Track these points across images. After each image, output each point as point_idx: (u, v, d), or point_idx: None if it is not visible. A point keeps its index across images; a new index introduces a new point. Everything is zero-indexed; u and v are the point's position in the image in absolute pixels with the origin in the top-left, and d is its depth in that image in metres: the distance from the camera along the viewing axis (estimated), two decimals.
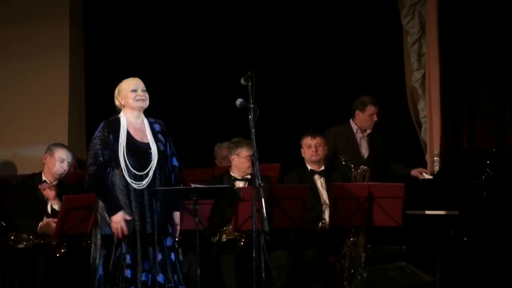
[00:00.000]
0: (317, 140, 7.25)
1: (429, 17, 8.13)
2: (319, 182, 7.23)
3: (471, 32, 8.02)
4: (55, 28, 9.03)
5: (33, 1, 8.98)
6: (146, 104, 5.71)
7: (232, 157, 7.06)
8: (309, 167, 7.28)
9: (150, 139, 5.75)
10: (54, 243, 6.45)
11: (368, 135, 7.96)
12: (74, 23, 9.23)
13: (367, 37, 8.95)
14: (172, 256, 5.72)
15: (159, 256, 5.63)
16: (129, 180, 5.62)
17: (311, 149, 7.24)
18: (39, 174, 6.73)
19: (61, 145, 6.84)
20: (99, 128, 5.68)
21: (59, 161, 6.68)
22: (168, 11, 9.29)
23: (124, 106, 5.73)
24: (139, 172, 5.66)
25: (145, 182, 5.66)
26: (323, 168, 7.29)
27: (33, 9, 8.97)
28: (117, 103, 5.77)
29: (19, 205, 6.66)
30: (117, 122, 5.71)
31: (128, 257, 5.62)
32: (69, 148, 6.91)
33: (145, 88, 5.74)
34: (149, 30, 9.34)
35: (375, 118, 7.83)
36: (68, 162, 6.72)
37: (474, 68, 8.03)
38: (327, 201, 6.99)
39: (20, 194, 6.74)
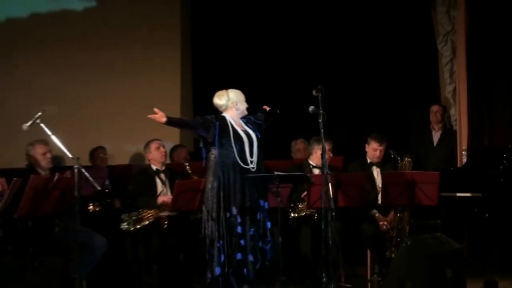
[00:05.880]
0: (383, 146, 7.43)
1: (459, 43, 8.58)
2: (376, 171, 7.52)
3: (493, 57, 8.38)
4: (169, 52, 9.71)
5: (148, 29, 9.59)
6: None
7: (315, 150, 7.42)
8: (369, 160, 7.56)
9: (247, 129, 6.45)
10: (165, 216, 7.04)
11: (442, 130, 8.54)
12: (184, 48, 9.84)
13: (411, 59, 9.42)
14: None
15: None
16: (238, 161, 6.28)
17: (376, 152, 7.44)
18: (149, 166, 7.44)
19: (152, 141, 7.34)
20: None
21: (156, 150, 7.32)
22: (268, 32, 9.79)
23: (230, 108, 6.45)
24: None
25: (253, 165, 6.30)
26: (379, 161, 7.53)
27: (150, 36, 9.61)
28: (222, 102, 6.45)
29: (140, 188, 7.29)
30: (224, 118, 6.45)
31: (238, 217, 6.29)
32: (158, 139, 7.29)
33: None
34: (250, 52, 9.72)
35: (437, 115, 8.53)
36: (162, 146, 7.30)
37: (494, 83, 8.47)
38: (381, 187, 7.29)
39: (140, 179, 7.42)
